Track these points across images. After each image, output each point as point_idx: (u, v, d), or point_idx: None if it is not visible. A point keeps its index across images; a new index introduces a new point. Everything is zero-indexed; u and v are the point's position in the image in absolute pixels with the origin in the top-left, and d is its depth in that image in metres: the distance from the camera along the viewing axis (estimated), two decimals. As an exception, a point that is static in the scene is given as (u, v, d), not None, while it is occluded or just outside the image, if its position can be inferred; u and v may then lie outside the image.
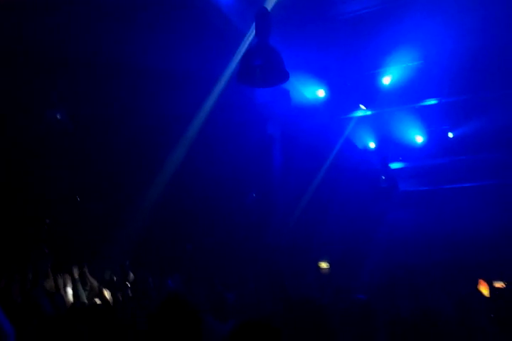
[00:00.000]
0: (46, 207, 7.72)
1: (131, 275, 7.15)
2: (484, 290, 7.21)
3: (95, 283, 6.50)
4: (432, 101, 11.61)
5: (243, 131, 10.04)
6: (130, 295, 6.71)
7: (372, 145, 14.60)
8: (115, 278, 7.18)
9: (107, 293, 6.32)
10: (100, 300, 6.14)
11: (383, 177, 13.87)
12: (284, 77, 7.25)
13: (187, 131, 9.50)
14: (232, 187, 10.88)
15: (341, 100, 11.83)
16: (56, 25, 6.54)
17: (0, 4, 6.15)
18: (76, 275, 6.31)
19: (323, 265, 13.37)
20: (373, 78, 11.21)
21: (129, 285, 6.85)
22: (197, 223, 10.43)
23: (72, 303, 5.81)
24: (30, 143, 7.44)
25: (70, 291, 6.14)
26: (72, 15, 6.55)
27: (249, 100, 9.70)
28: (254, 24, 7.06)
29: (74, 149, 7.89)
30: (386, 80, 11.12)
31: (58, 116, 7.53)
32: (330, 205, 14.07)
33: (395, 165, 14.79)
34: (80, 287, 6.32)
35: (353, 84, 11.42)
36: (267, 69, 7.02)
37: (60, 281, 6.06)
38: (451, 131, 13.37)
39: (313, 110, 11.94)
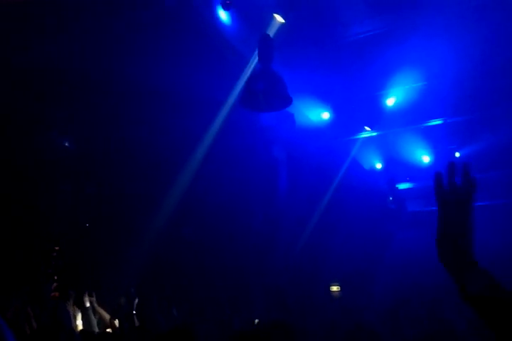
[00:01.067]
0: (55, 236, 7.78)
1: (137, 303, 7.14)
2: None
3: (103, 312, 6.48)
4: (437, 122, 11.66)
5: (249, 155, 10.11)
6: (137, 323, 6.68)
7: (378, 165, 14.62)
8: (122, 306, 7.16)
9: (115, 322, 6.30)
10: (110, 328, 6.13)
11: (391, 198, 13.84)
12: (287, 101, 7.37)
13: (193, 154, 9.59)
14: (239, 210, 10.90)
15: (346, 122, 11.93)
16: (65, 51, 6.70)
17: (10, 29, 6.34)
18: (87, 304, 6.31)
19: (334, 288, 13.26)
20: (377, 99, 11.31)
21: (135, 313, 6.83)
22: (203, 248, 10.43)
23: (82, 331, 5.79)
24: (38, 168, 7.55)
25: (79, 321, 6.13)
26: (80, 39, 6.72)
27: (254, 124, 9.81)
28: (257, 49, 7.21)
29: (80, 174, 7.99)
30: (390, 102, 11.21)
31: (66, 144, 7.67)
32: (337, 227, 14.03)
33: (402, 186, 14.78)
34: (91, 316, 6.31)
35: (358, 106, 11.53)
36: (269, 94, 7.13)
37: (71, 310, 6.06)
38: (457, 151, 13.37)
39: (318, 132, 12.02)
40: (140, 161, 8.62)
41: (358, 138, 12.97)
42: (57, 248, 7.12)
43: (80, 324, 6.16)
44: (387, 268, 13.91)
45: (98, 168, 8.27)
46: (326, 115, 11.82)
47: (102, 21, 6.60)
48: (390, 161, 14.29)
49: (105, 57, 7.05)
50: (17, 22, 6.32)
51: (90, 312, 6.35)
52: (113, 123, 7.89)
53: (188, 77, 7.69)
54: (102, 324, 6.43)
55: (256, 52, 7.37)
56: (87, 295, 6.47)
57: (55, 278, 6.13)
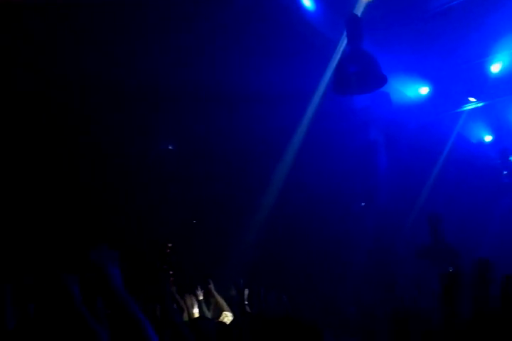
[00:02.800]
0: (167, 230, 8.30)
1: (247, 292, 7.41)
2: None
3: (221, 301, 6.81)
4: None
5: (345, 139, 10.02)
6: (248, 311, 6.94)
7: (488, 138, 13.76)
8: (234, 296, 7.47)
9: (229, 311, 6.61)
10: (224, 317, 6.43)
11: (505, 172, 13.00)
12: (382, 81, 7.18)
13: (290, 144, 9.70)
14: (339, 196, 10.86)
15: (447, 94, 11.36)
16: (164, 62, 7.10)
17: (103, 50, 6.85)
18: (200, 296, 6.67)
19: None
20: (480, 67, 10.63)
21: (247, 303, 7.09)
22: (307, 236, 10.55)
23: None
24: (149, 171, 8.11)
25: (196, 312, 6.49)
26: (171, 51, 7.08)
27: (349, 107, 9.67)
28: (345, 32, 7.09)
29: (186, 175, 8.44)
30: (495, 68, 10.50)
31: (170, 147, 8.15)
32: (447, 207, 13.45)
33: (517, 158, 13.78)
34: (204, 307, 6.66)
35: (459, 76, 10.92)
36: (363, 76, 7.00)
37: (187, 302, 6.44)
38: None
39: (417, 109, 11.57)
40: (239, 158, 8.91)
41: (463, 111, 12.30)
42: (170, 245, 7.61)
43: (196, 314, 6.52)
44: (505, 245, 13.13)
45: (200, 168, 8.69)
46: (424, 90, 11.34)
47: (187, 30, 6.89)
48: (500, 132, 13.39)
49: (198, 64, 7.36)
50: (118, 35, 6.82)
51: (203, 304, 6.69)
52: (211, 124, 8.24)
53: (278, 70, 7.79)
54: (217, 312, 6.75)
55: (344, 35, 7.25)
56: (199, 289, 6.83)
57: (171, 273, 6.58)
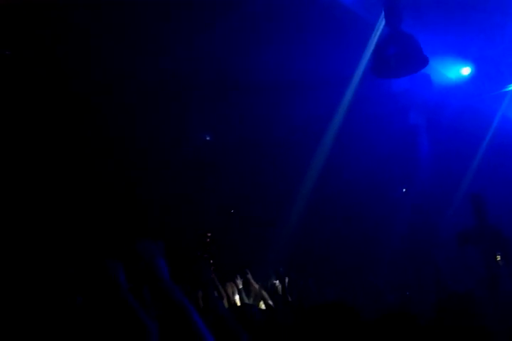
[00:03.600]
0: (206, 220, 8.44)
1: (287, 280, 7.46)
2: None
3: (260, 290, 6.88)
4: None
5: (384, 124, 9.86)
6: (289, 300, 7.00)
7: (536, 119, 13.29)
8: (274, 285, 7.54)
9: (269, 299, 6.67)
10: (264, 305, 6.50)
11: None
12: (423, 62, 7.00)
13: (327, 131, 9.63)
14: (380, 183, 10.74)
15: (491, 74, 10.99)
16: (201, 53, 7.17)
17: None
18: (240, 284, 6.76)
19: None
20: (527, 45, 10.22)
21: (287, 291, 7.15)
22: (346, 223, 10.50)
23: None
24: (187, 162, 8.23)
25: (237, 299, 6.60)
26: (206, 41, 7.11)
27: (387, 91, 9.50)
28: (382, 13, 6.94)
29: (224, 164, 8.52)
30: (543, 45, 10.07)
31: (207, 137, 8.24)
32: (491, 190, 13.07)
33: None
34: (244, 296, 6.74)
35: (503, 55, 10.54)
36: (403, 58, 6.85)
37: (228, 290, 6.55)
38: None
39: (459, 90, 11.26)
40: (276, 146, 8.92)
41: (507, 91, 11.91)
42: (209, 234, 7.75)
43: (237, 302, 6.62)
44: None
45: (237, 158, 8.76)
46: (466, 70, 10.99)
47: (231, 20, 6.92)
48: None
49: (235, 56, 7.39)
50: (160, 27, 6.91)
51: (243, 293, 6.77)
52: (246, 113, 8.27)
53: (314, 56, 7.72)
54: (256, 301, 6.83)
55: (381, 17, 7.09)
56: (239, 277, 6.92)
57: (211, 261, 6.69)
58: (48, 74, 7.48)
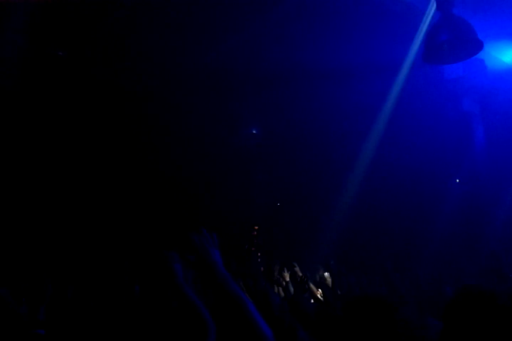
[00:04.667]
0: (253, 213, 8.53)
1: (337, 274, 7.45)
2: None
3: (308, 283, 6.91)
4: None
5: (437, 112, 9.63)
6: (338, 293, 6.99)
7: None
8: (322, 278, 7.54)
9: (318, 292, 6.69)
10: (313, 299, 6.53)
11: None
12: (477, 47, 6.76)
13: (377, 120, 9.50)
14: (432, 172, 10.51)
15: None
16: (246, 48, 7.23)
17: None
18: (287, 277, 6.81)
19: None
20: None
21: (336, 284, 7.14)
22: (397, 214, 10.35)
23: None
24: (235, 156, 8.34)
25: (282, 292, 6.65)
26: (252, 34, 7.14)
27: (439, 78, 9.26)
28: (433, -3, 6.74)
29: (269, 158, 8.57)
30: None
31: (254, 131, 8.31)
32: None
33: None
34: (291, 288, 6.79)
35: None
36: (456, 43, 6.65)
37: (275, 282, 6.61)
38: None
39: (516, 75, 10.82)
40: (324, 138, 8.88)
41: None
42: (256, 227, 7.83)
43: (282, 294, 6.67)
44: None
45: (285, 150, 8.79)
46: (523, 54, 10.55)
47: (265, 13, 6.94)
48: None
49: (279, 46, 7.40)
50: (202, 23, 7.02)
51: (290, 284, 6.81)
52: (294, 105, 8.27)
53: (365, 45, 7.62)
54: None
55: (432, 2, 6.90)
56: (286, 270, 6.96)
57: (259, 254, 6.75)
58: (99, 72, 7.75)
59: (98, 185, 8.89)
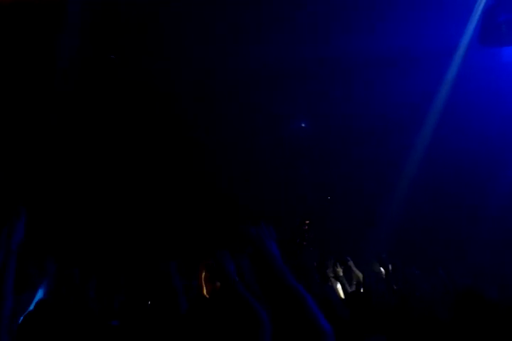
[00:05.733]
0: (303, 207, 8.50)
1: (390, 267, 7.31)
2: None
3: (361, 276, 6.81)
4: None
5: (495, 97, 9.27)
6: (394, 288, 6.86)
7: None
8: (377, 271, 7.42)
9: (372, 287, 6.58)
10: (368, 291, 6.43)
11: None
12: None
13: (433, 107, 9.25)
14: (490, 161, 10.15)
15: None
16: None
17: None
18: (340, 272, 6.72)
19: None
20: None
21: (391, 279, 7.01)
22: (453, 205, 10.07)
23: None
24: (285, 149, 8.35)
25: (338, 285, 6.57)
26: (297, 25, 7.11)
27: (498, 61, 8.91)
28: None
29: (320, 151, 8.53)
30: None
31: (303, 124, 8.28)
32: None
33: None
34: (345, 283, 6.71)
35: None
36: (515, 23, 6.39)
37: (329, 275, 6.54)
38: None
39: None
40: (376, 128, 8.75)
41: None
42: (307, 222, 7.79)
43: (339, 288, 6.60)
44: None
45: (337, 143, 8.73)
46: None
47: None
48: None
49: (326, 35, 7.35)
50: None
51: (344, 280, 6.73)
52: (345, 95, 8.19)
53: (418, 29, 7.43)
54: (358, 287, 6.77)
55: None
56: (338, 265, 6.88)
57: (310, 249, 6.71)
58: (148, 73, 7.96)
59: (154, 182, 9.18)
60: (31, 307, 3.33)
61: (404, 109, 8.90)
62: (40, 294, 3.74)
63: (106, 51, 7.89)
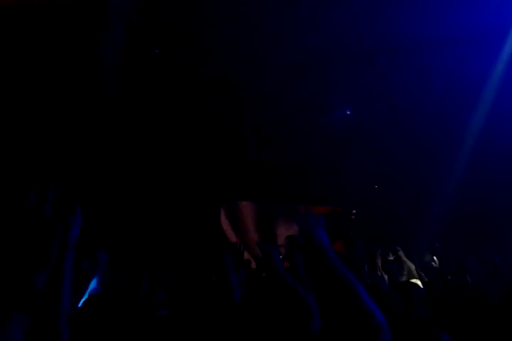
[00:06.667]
0: (350, 197, 8.45)
1: (442, 257, 7.18)
2: None
3: (413, 268, 6.72)
4: None
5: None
6: (448, 278, 6.73)
7: None
8: (430, 261, 7.30)
9: (425, 278, 6.48)
10: (422, 285, 6.33)
11: None
12: None
13: (484, 92, 8.95)
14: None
15: None
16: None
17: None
18: (390, 263, 6.65)
19: None
20: None
21: (445, 269, 6.88)
22: (507, 198, 9.76)
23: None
24: (326, 138, 8.31)
25: (385, 277, 6.51)
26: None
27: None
28: None
29: (365, 139, 8.44)
30: None
31: (348, 112, 8.21)
32: None
33: None
34: (394, 272, 6.63)
35: None
36: None
37: (378, 265, 6.48)
38: None
39: None
40: (423, 117, 8.59)
41: None
42: (354, 211, 7.74)
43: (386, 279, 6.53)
44: None
45: (382, 131, 8.61)
46: None
47: None
48: None
49: (374, 21, 7.25)
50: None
51: (394, 271, 6.65)
52: (387, 81, 8.06)
53: (465, 10, 7.18)
54: (409, 277, 6.68)
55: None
56: (391, 255, 6.80)
57: (357, 239, 6.65)
58: (195, 66, 8.03)
59: (190, 178, 9.34)
60: (86, 297, 3.46)
61: (456, 94, 8.64)
62: (93, 284, 3.89)
63: (153, 49, 7.98)
